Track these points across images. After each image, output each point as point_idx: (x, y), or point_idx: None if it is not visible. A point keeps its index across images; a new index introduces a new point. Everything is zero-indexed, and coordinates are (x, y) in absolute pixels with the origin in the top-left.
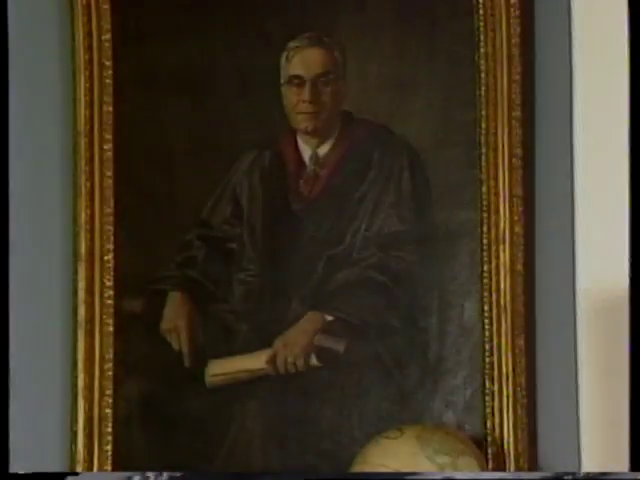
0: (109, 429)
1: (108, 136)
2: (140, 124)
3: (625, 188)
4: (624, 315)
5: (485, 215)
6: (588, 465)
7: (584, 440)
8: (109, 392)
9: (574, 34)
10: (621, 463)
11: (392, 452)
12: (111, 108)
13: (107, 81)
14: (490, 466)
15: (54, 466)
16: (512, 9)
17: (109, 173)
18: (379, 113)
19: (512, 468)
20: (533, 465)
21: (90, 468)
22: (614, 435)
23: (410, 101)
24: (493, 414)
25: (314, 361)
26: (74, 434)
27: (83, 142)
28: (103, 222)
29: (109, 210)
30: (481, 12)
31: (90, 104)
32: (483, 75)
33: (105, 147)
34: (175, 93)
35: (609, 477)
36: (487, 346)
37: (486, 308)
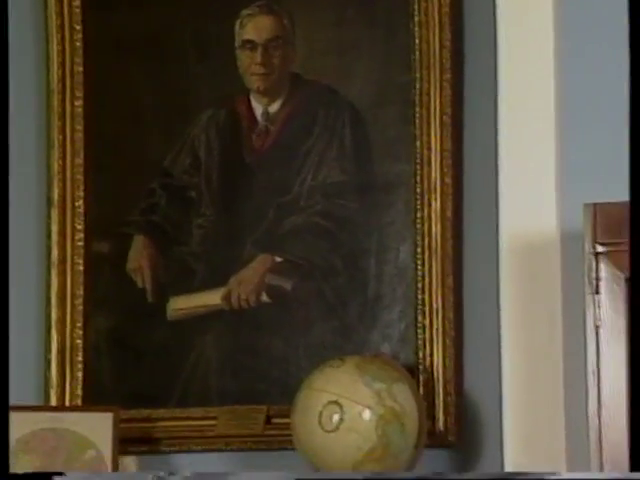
0: (80, 358)
1: (79, 94)
2: (108, 83)
3: (545, 140)
4: (543, 257)
5: (418, 167)
6: (508, 387)
7: (505, 367)
8: (79, 325)
9: (498, 2)
10: (536, 383)
11: (334, 379)
12: (81, 68)
13: (77, 44)
14: (421, 391)
15: (31, 391)
16: None
17: (79, 127)
18: (324, 75)
19: (441, 393)
20: (459, 390)
21: (62, 393)
22: (530, 358)
23: (352, 64)
24: (425, 345)
25: (265, 298)
26: (48, 362)
27: (56, 99)
28: (74, 172)
29: (79, 161)
30: None
31: (62, 65)
32: (417, 41)
33: (76, 104)
34: (141, 56)
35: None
36: (419, 285)
37: (419, 251)
